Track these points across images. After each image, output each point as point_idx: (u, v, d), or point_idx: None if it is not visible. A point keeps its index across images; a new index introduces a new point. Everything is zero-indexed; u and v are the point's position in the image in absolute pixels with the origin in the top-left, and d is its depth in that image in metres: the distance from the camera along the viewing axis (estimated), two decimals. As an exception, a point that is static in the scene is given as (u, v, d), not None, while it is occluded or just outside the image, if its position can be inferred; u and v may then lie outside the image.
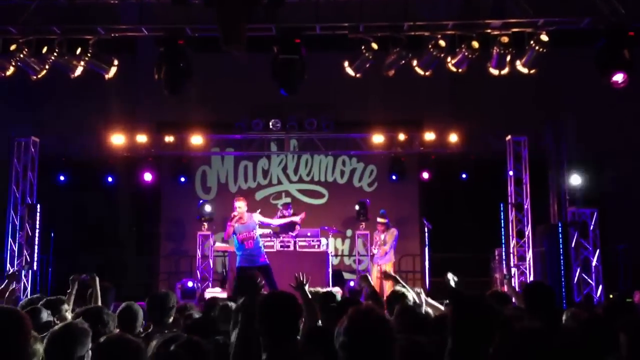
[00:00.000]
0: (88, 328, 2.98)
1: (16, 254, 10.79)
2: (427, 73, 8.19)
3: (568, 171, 11.08)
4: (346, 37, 8.21)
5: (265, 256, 8.52)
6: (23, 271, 10.50)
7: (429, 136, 12.03)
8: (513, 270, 11.02)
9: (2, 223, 10.88)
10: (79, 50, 7.75)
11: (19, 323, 2.02)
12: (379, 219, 10.62)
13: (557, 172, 11.43)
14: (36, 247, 10.90)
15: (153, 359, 3.01)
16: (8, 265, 10.70)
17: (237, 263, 8.48)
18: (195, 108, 11.36)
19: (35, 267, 10.88)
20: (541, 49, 7.79)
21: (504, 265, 11.10)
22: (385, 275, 4.83)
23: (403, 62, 8.12)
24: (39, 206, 11.03)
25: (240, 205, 8.32)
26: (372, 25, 8.01)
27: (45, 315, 4.00)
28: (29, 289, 10.80)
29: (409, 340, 2.74)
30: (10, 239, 10.81)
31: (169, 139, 12.14)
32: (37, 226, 10.94)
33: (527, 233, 11.10)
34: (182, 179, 12.75)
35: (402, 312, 3.57)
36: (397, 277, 5.12)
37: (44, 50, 7.72)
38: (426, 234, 11.09)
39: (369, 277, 4.71)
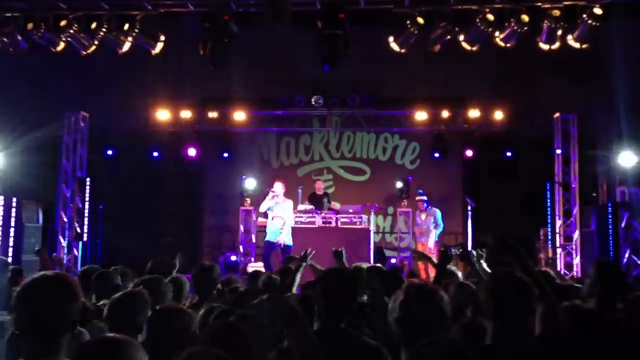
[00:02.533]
0: (148, 297, 3.08)
1: (67, 226, 11.15)
2: (473, 48, 8.03)
3: (618, 149, 10.72)
4: (390, 12, 8.10)
5: (290, 237, 9.37)
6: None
7: (473, 113, 11.83)
8: (559, 250, 10.82)
9: (53, 196, 11.23)
10: (126, 26, 7.89)
11: (68, 287, 2.09)
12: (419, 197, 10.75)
13: (606, 151, 11.08)
14: (86, 219, 11.24)
15: (204, 329, 3.09)
16: (60, 236, 11.08)
17: (265, 237, 9.53)
18: (238, 84, 11.41)
19: (85, 239, 11.23)
20: (594, 23, 7.53)
21: (550, 245, 10.90)
22: (419, 256, 4.73)
23: (449, 37, 7.97)
24: (88, 179, 11.34)
25: (279, 187, 9.35)
26: (418, -1, 7.88)
27: (118, 280, 4.23)
28: (79, 259, 11.18)
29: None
30: (61, 211, 11.16)
31: (213, 114, 12.27)
32: (87, 199, 11.27)
33: (574, 213, 10.85)
34: (225, 155, 12.88)
35: (459, 288, 3.57)
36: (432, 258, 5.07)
37: (93, 25, 7.88)
38: (469, 212, 10.95)
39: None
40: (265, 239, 9.52)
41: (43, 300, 2.03)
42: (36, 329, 2.02)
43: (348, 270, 3.02)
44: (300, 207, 10.50)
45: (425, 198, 10.76)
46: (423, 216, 10.70)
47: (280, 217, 9.36)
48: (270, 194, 9.32)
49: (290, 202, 9.60)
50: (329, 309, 2.72)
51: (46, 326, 2.02)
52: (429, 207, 10.72)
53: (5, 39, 8.14)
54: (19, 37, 8.14)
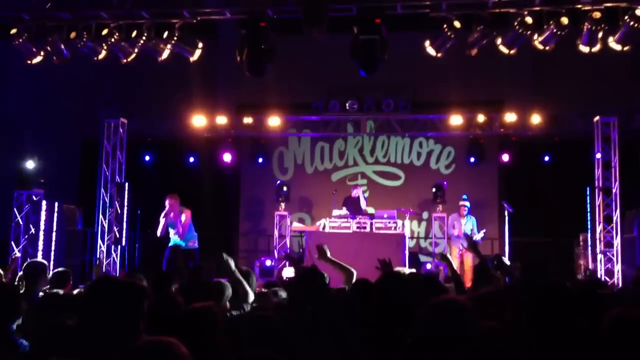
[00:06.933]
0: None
1: (106, 230, 11.37)
2: (511, 51, 7.92)
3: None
4: (426, 16, 8.05)
5: (196, 242, 9.27)
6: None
7: (510, 117, 11.66)
8: (599, 256, 10.59)
9: (93, 201, 11.46)
10: (165, 34, 8.02)
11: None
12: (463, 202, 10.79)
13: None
14: (125, 223, 11.44)
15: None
16: (99, 240, 11.31)
17: (170, 242, 9.22)
18: (273, 90, 11.50)
19: (124, 243, 11.43)
20: (636, 25, 7.36)
21: (589, 251, 10.68)
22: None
23: (486, 40, 7.88)
24: (127, 184, 11.55)
25: (171, 203, 9.11)
26: (455, 2, 7.81)
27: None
28: (118, 263, 11.38)
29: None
30: (101, 215, 11.39)
31: (248, 120, 12.36)
32: (126, 204, 11.48)
33: (615, 218, 10.60)
34: (260, 160, 13.00)
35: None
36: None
37: (134, 34, 8.03)
38: (506, 218, 10.81)
39: (449, 256, 4.61)
40: (170, 245, 9.16)
41: (113, 303, 2.14)
42: (102, 330, 2.12)
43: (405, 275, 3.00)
44: (335, 212, 10.51)
45: (468, 204, 10.77)
46: (463, 221, 10.68)
47: (180, 230, 9.09)
48: (162, 214, 9.03)
49: (187, 212, 9.15)
50: (388, 316, 2.69)
51: (112, 328, 2.12)
52: (469, 214, 10.73)
53: (49, 48, 8.36)
54: (62, 47, 8.35)
